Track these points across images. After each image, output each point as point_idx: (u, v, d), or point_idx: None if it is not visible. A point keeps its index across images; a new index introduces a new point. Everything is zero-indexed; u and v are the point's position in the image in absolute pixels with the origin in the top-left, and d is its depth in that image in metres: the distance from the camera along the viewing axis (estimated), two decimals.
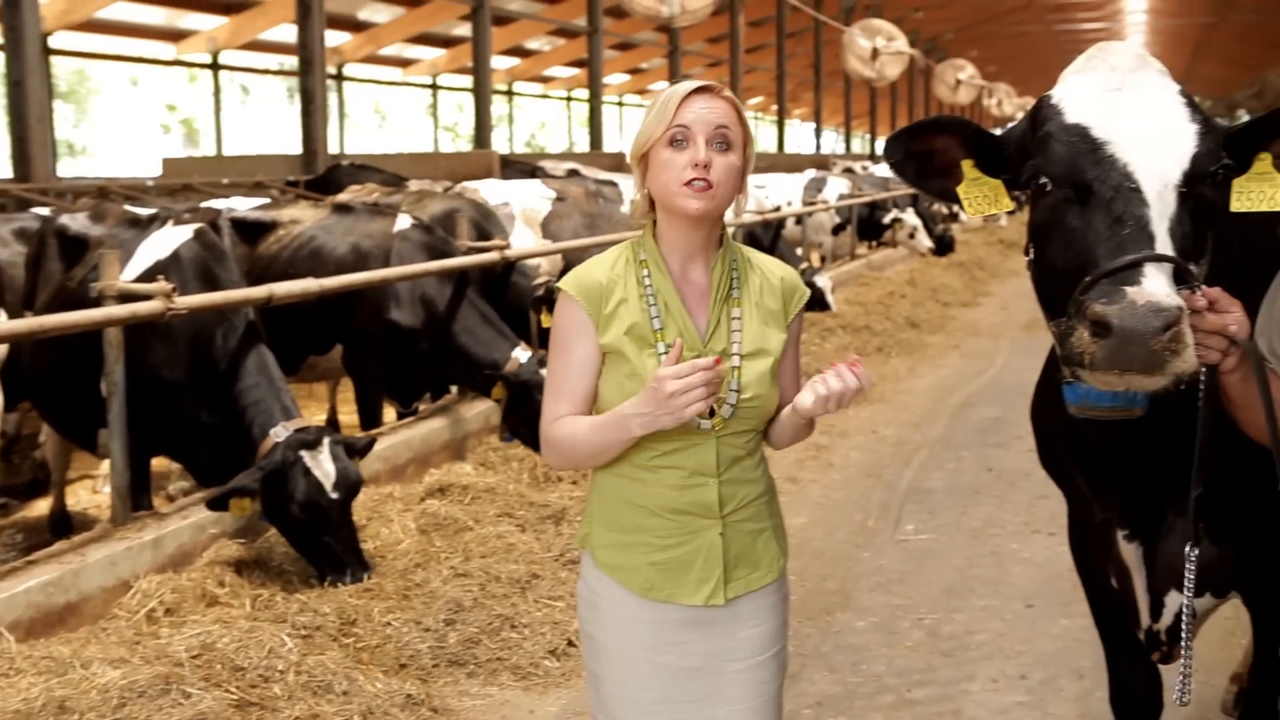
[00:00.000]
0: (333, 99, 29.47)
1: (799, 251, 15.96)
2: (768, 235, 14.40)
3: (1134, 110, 2.54)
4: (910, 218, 19.66)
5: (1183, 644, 2.80)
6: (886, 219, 19.85)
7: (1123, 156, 2.49)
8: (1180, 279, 2.37)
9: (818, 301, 13.71)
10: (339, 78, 29.24)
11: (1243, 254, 2.85)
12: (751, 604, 2.82)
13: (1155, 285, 2.29)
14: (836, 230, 17.81)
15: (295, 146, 15.20)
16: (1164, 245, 2.39)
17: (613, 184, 12.09)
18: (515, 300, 8.81)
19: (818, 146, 36.17)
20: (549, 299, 8.14)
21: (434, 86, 34.11)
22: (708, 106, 2.68)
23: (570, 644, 5.14)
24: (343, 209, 8.29)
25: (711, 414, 2.69)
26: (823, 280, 14.08)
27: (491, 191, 11.10)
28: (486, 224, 9.29)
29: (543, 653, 5.11)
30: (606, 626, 2.83)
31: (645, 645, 2.78)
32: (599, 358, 2.74)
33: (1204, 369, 2.49)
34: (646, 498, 2.75)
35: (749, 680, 2.82)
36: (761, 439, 2.87)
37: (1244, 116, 2.80)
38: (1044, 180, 2.59)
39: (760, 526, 2.84)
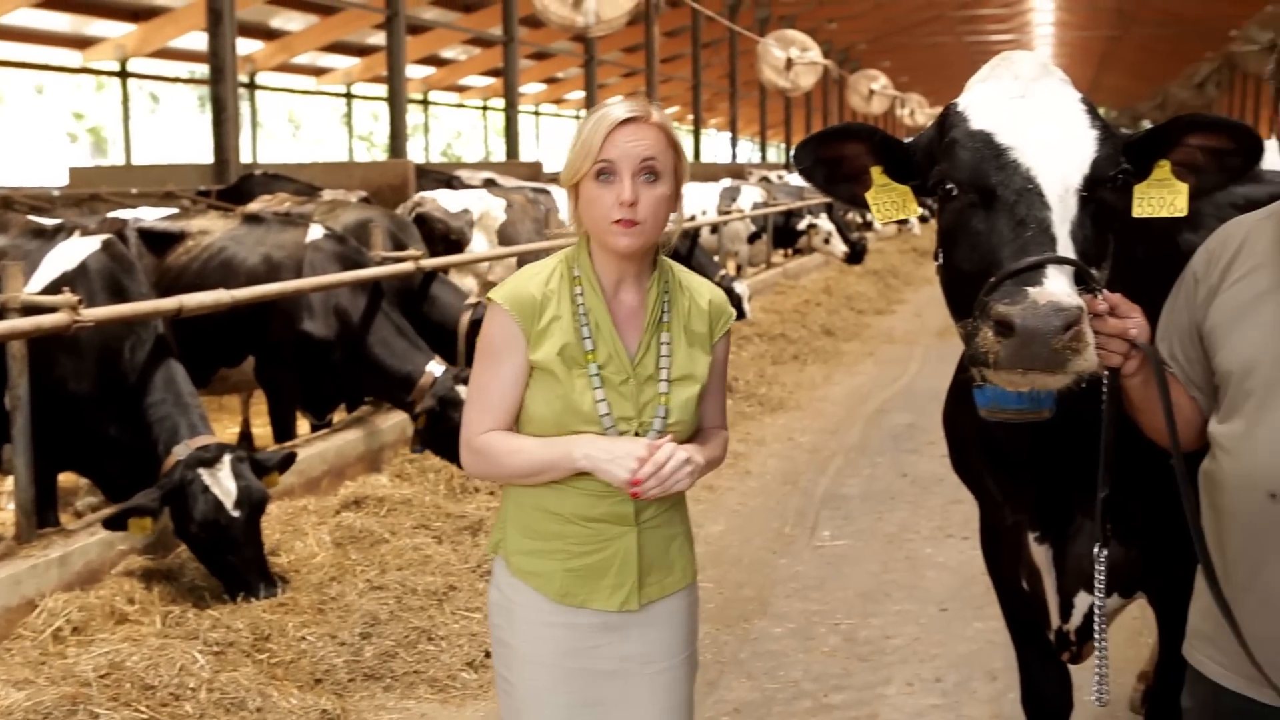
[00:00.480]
0: (245, 108, 29.08)
1: (715, 259, 16.04)
2: (684, 244, 14.43)
3: (1036, 117, 2.60)
4: (825, 223, 19.89)
5: (1096, 643, 2.85)
6: (802, 224, 20.06)
7: (1025, 161, 2.54)
8: (1082, 281, 2.42)
9: (734, 309, 13.76)
10: (251, 86, 28.85)
11: (1146, 261, 2.92)
12: (664, 608, 2.84)
13: (1056, 286, 2.34)
14: (752, 238, 17.94)
15: (207, 156, 14.97)
16: (1065, 247, 2.45)
17: (546, 191, 12.15)
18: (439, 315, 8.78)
19: (734, 156, 36.37)
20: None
21: (348, 95, 33.80)
22: (634, 139, 2.66)
23: (488, 655, 5.10)
24: (254, 219, 8.18)
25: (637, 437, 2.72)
26: (740, 287, 14.15)
27: (450, 199, 11.23)
28: (402, 235, 9.24)
29: (460, 665, 5.08)
30: (520, 633, 2.82)
31: (559, 650, 2.79)
32: (528, 372, 2.73)
33: (1106, 372, 2.54)
34: (564, 506, 2.76)
35: (662, 684, 2.84)
36: None
37: (1147, 126, 2.87)
38: (950, 185, 2.64)
39: (673, 532, 2.86)
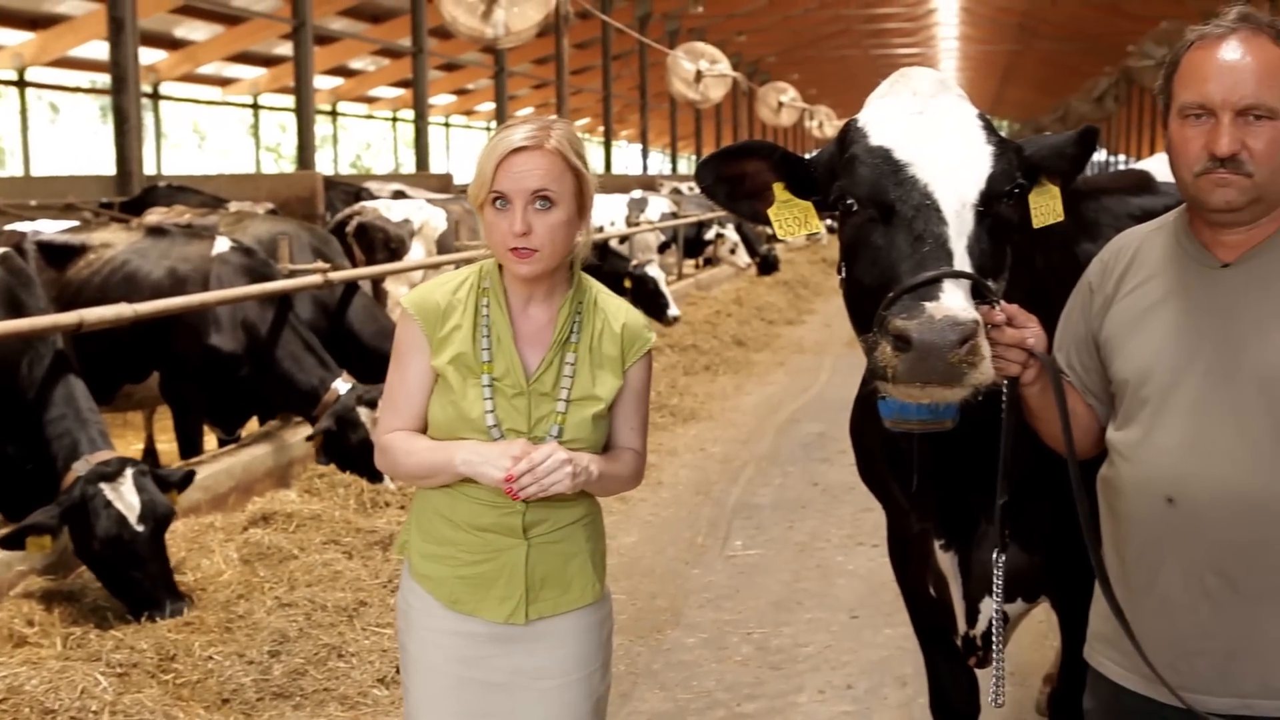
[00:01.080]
0: (149, 118, 28.61)
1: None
2: (595, 252, 14.53)
3: (934, 132, 2.64)
4: (731, 233, 20.05)
5: (994, 648, 2.90)
6: (709, 234, 20.20)
7: (923, 177, 2.58)
8: (979, 294, 2.47)
9: (651, 296, 13.90)
10: (155, 96, 28.39)
11: (1045, 271, 2.98)
12: (560, 625, 2.83)
13: (953, 300, 2.38)
14: (662, 248, 18.02)
15: (109, 167, 14.69)
16: (962, 262, 2.49)
17: None
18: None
19: (644, 167, 36.48)
20: None
21: (255, 106, 33.38)
22: (525, 169, 2.66)
23: (399, 671, 5.05)
24: (157, 232, 8.05)
25: None
26: (655, 271, 14.25)
27: (392, 209, 11.40)
28: (325, 248, 9.19)
29: (371, 681, 5.02)
30: (416, 636, 2.85)
31: (451, 657, 2.80)
32: (432, 377, 2.77)
33: (1005, 381, 2.59)
34: (456, 512, 2.79)
35: (555, 700, 2.83)
36: None
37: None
38: (850, 201, 2.68)
39: (574, 550, 2.85)
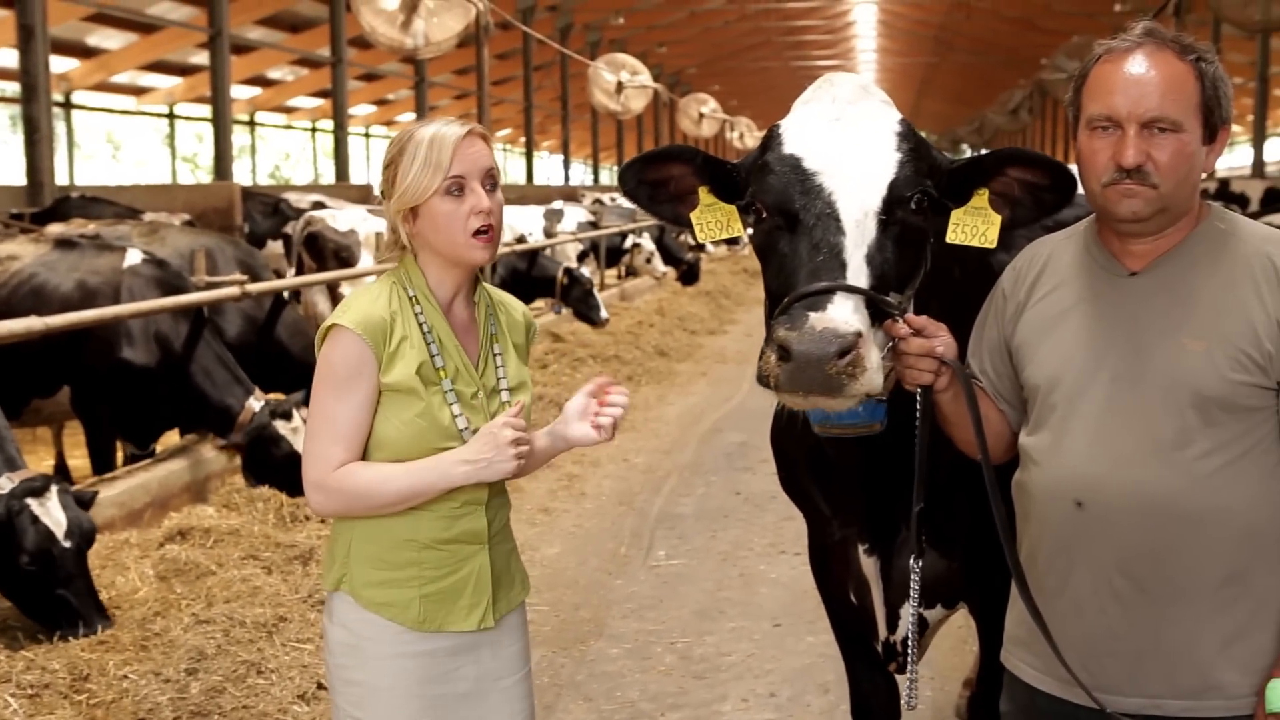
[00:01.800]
0: (61, 128, 28.12)
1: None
2: (523, 262, 14.69)
3: (843, 141, 2.66)
4: (647, 243, 20.15)
5: (909, 652, 2.93)
6: (626, 244, 20.29)
7: (828, 186, 2.61)
8: (878, 306, 2.49)
9: (585, 296, 14.03)
10: (67, 105, 27.91)
11: (963, 281, 3.01)
12: (510, 621, 2.90)
13: (838, 312, 2.41)
14: (580, 258, 18.05)
15: (19, 178, 14.42)
16: (859, 272, 2.52)
17: None
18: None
19: (566, 178, 36.51)
20: None
21: (171, 116, 32.94)
22: (476, 151, 2.71)
23: (320, 686, 4.99)
24: (66, 244, 7.90)
25: None
26: (587, 271, 14.41)
27: (338, 219, 11.70)
28: (250, 261, 9.10)
29: (291, 698, 4.94)
30: (373, 668, 2.77)
31: (419, 680, 2.77)
32: (377, 399, 2.70)
33: (919, 389, 2.62)
34: (418, 531, 2.75)
35: (514, 696, 2.89)
36: None
37: (966, 151, 2.97)
38: (759, 208, 2.70)
39: (510, 546, 2.93)
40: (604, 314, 14.32)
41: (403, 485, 2.67)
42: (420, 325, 2.73)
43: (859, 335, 2.37)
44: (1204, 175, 2.56)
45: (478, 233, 2.68)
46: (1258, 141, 29.08)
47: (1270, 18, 13.84)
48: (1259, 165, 28.90)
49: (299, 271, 11.46)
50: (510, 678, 2.88)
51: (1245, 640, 2.45)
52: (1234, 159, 49.48)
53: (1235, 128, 45.07)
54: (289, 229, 12.58)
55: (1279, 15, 13.76)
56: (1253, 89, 28.87)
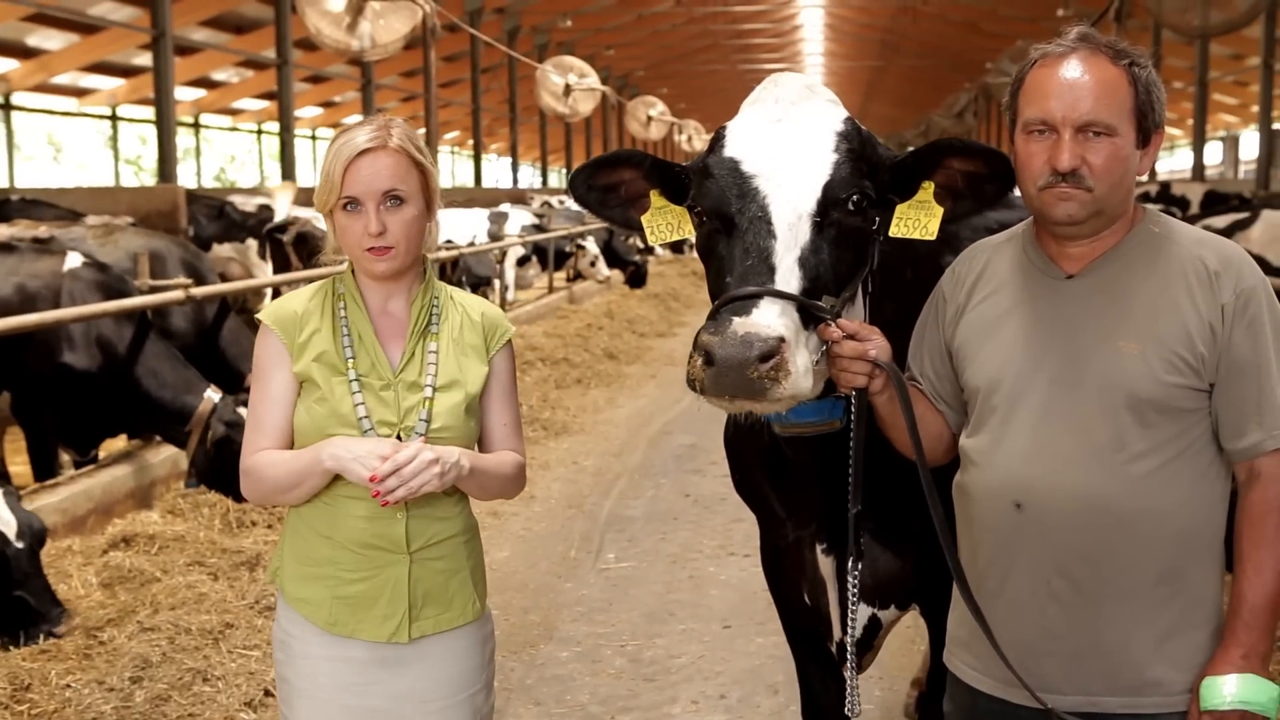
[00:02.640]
0: (0, 129, 27.75)
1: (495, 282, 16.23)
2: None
3: (781, 143, 2.67)
4: (591, 246, 20.17)
5: (848, 657, 2.94)
6: (569, 246, 20.31)
7: (763, 189, 2.62)
8: (808, 311, 2.51)
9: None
10: (7, 107, 27.54)
11: (914, 283, 3.03)
12: (442, 644, 2.81)
13: (762, 317, 2.42)
14: (522, 261, 18.03)
15: None
16: (791, 275, 2.53)
17: None
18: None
19: (515, 180, 36.43)
20: None
21: (113, 118, 32.55)
22: (373, 170, 2.69)
23: (267, 693, 4.96)
24: (4, 248, 7.80)
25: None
26: (532, 273, 14.45)
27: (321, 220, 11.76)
28: (197, 264, 9.02)
29: (238, 705, 4.91)
30: (296, 666, 2.79)
31: (333, 685, 2.76)
32: (295, 387, 2.75)
33: (854, 392, 2.64)
34: (336, 530, 2.74)
35: None
36: None
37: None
38: (700, 210, 2.71)
39: (455, 567, 2.83)
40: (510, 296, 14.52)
41: (288, 468, 2.70)
42: (338, 320, 2.77)
43: (781, 340, 2.39)
44: (1140, 178, 2.60)
45: (373, 249, 2.69)
46: (1198, 145, 29.56)
47: (1209, 24, 14.05)
48: (1199, 168, 29.37)
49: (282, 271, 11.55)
50: (440, 701, 2.80)
51: (1180, 637, 2.49)
52: (1175, 162, 50.26)
53: (1176, 131, 45.82)
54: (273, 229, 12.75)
55: (1218, 21, 13.98)
56: (1193, 93, 29.32)
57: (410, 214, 2.72)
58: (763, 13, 41.76)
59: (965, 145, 2.76)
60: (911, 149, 2.84)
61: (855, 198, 2.65)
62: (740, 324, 2.39)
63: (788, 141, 2.67)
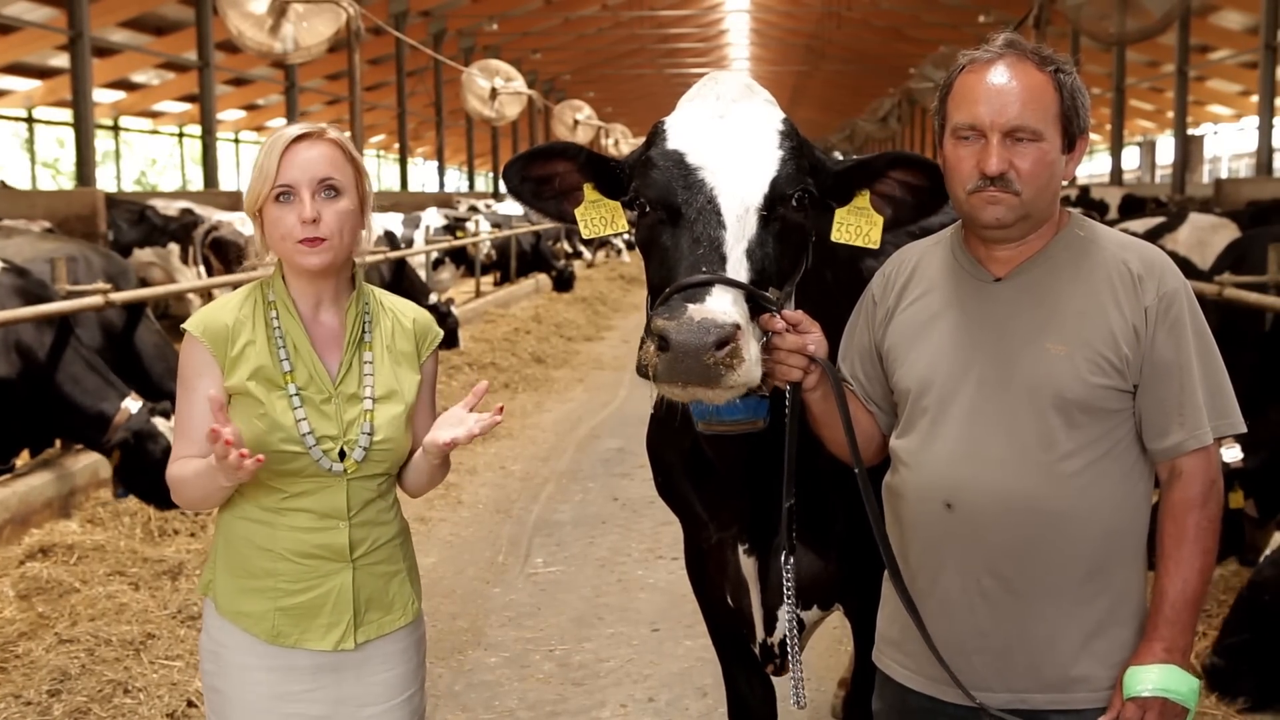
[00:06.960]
0: None
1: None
2: (390, 269, 14.42)
3: (726, 137, 2.69)
4: (484, 225, 20.00)
5: (790, 652, 2.95)
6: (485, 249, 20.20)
7: (710, 181, 2.63)
8: (756, 300, 2.52)
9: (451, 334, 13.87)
10: None
11: (834, 284, 3.06)
12: (383, 648, 2.81)
13: (716, 304, 2.43)
14: (436, 264, 17.91)
15: None
16: (739, 265, 2.55)
17: None
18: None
19: (441, 184, 36.25)
20: None
21: (30, 120, 31.93)
22: (309, 157, 2.67)
23: (191, 704, 4.88)
24: None
25: (343, 456, 2.69)
26: (447, 275, 14.29)
27: (245, 225, 11.98)
28: (113, 269, 8.86)
29: (160, 717, 4.83)
30: (231, 677, 2.75)
31: (272, 695, 2.72)
32: (226, 398, 2.67)
33: (789, 386, 2.65)
34: (275, 541, 2.71)
35: None
36: (394, 482, 2.87)
37: (839, 157, 2.97)
38: (643, 202, 2.72)
39: (394, 569, 2.84)
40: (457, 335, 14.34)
41: (196, 483, 2.66)
42: (272, 330, 2.72)
43: (737, 327, 2.40)
44: (1064, 183, 2.64)
45: (306, 239, 2.66)
46: (1115, 150, 30.11)
47: (1125, 31, 14.31)
48: (1117, 173, 29.92)
49: (209, 275, 11.37)
50: (376, 706, 2.79)
51: (1106, 635, 2.53)
52: (1094, 167, 51.13)
53: (1094, 137, 46.49)
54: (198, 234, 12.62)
55: (1134, 28, 14.24)
56: (1110, 99, 29.85)
57: (345, 206, 2.69)
58: (689, 17, 41.92)
59: (911, 158, 2.81)
60: (856, 157, 2.88)
61: (799, 195, 2.67)
62: (695, 310, 2.39)
63: (733, 136, 2.69)
